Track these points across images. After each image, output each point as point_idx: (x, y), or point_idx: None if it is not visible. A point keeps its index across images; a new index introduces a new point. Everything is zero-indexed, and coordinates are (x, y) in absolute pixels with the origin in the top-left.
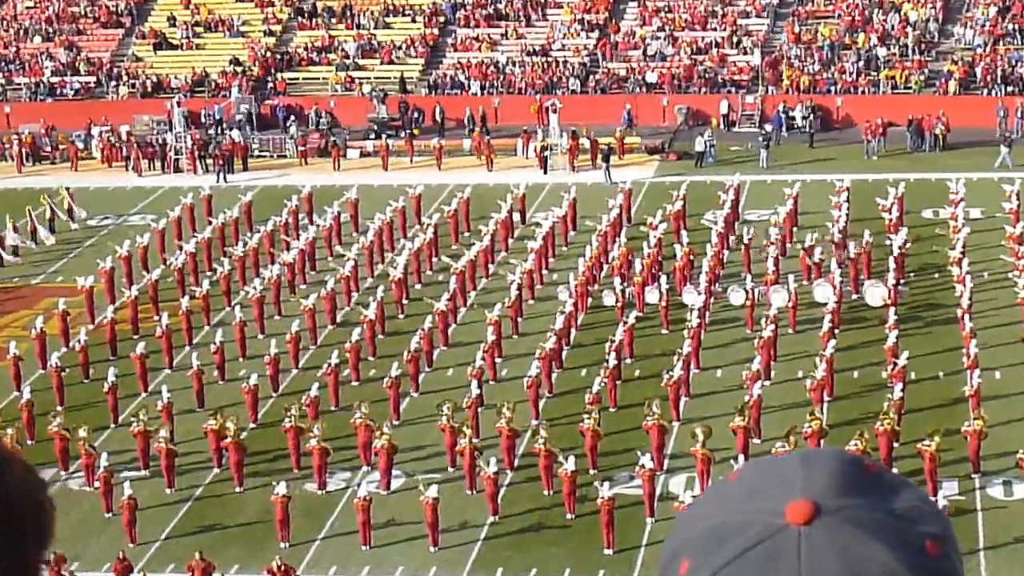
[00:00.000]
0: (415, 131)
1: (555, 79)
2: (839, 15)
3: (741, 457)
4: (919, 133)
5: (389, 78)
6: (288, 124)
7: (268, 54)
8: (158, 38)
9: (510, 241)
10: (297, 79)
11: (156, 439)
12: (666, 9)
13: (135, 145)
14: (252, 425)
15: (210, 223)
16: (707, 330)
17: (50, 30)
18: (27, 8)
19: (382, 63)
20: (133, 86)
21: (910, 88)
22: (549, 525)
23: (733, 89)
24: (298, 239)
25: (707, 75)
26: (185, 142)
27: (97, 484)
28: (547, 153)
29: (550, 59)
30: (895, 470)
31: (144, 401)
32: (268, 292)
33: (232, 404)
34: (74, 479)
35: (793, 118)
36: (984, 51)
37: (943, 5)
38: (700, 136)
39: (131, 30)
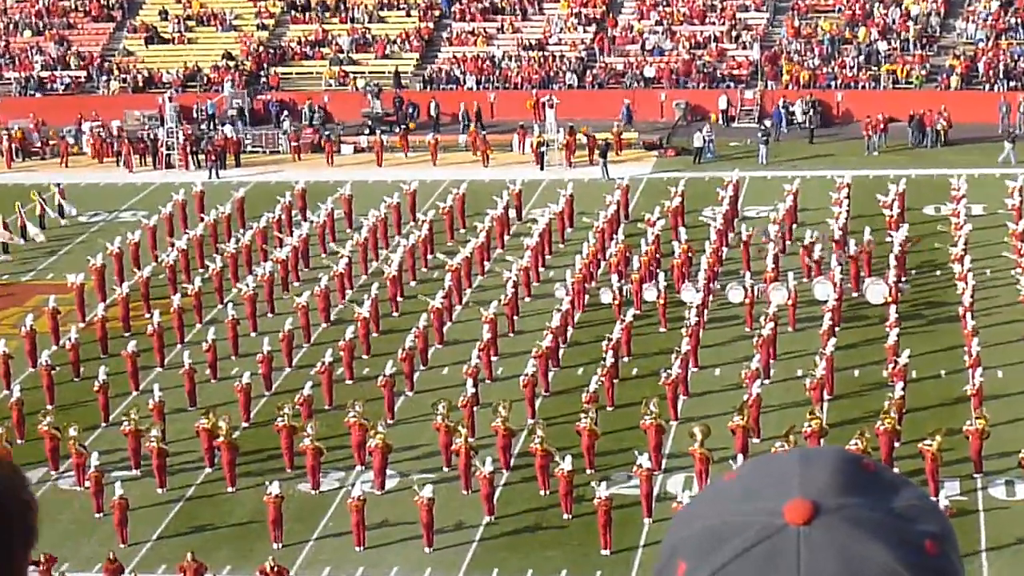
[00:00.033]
0: (411, 126)
1: (552, 74)
2: (839, 9)
3: (740, 457)
4: (920, 129)
5: (383, 72)
6: (281, 119)
7: (261, 48)
8: (149, 32)
9: (506, 238)
10: (290, 74)
11: (147, 438)
12: (664, 3)
13: (126, 141)
14: (244, 424)
15: (202, 220)
16: (706, 328)
17: (40, 24)
18: (17, 2)
19: (376, 57)
20: (124, 81)
21: (911, 83)
22: (546, 526)
23: (732, 84)
24: (291, 236)
25: (706, 70)
26: (177, 138)
27: (88, 484)
28: (544, 149)
29: (546, 53)
30: (896, 470)
31: (135, 400)
32: (261, 289)
33: (224, 403)
34: (64, 479)
35: (793, 113)
36: (986, 45)
37: None
38: (699, 132)
39: (122, 24)
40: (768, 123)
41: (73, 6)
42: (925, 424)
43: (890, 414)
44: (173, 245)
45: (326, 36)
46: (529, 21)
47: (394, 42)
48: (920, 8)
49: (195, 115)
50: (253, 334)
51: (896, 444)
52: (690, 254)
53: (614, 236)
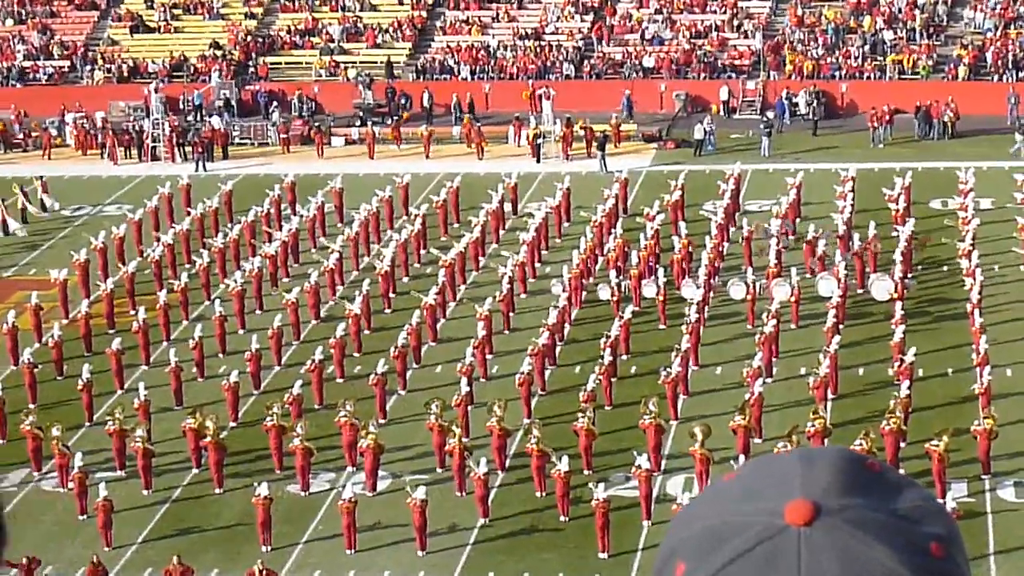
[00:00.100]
0: (404, 117)
1: (548, 64)
2: None
3: (741, 457)
4: (927, 120)
5: (375, 62)
6: (270, 110)
7: (249, 37)
8: (135, 21)
9: (501, 232)
10: (279, 63)
11: (132, 438)
12: None
13: (111, 132)
14: (232, 424)
15: (189, 214)
16: (706, 325)
17: (22, 12)
18: None
19: (368, 47)
20: (109, 71)
21: (918, 73)
22: (542, 528)
23: (734, 74)
24: (280, 230)
25: (707, 60)
26: (163, 129)
27: (71, 485)
28: (540, 141)
29: (543, 43)
30: (902, 471)
31: (120, 399)
32: (249, 285)
33: (212, 402)
34: (47, 480)
35: (796, 105)
36: (995, 35)
37: None
38: (699, 123)
39: (106, 12)
40: (770, 115)
41: None
42: (932, 424)
43: (896, 414)
44: (159, 240)
45: (316, 25)
46: (525, 9)
47: (386, 31)
48: None
49: (181, 106)
50: (241, 331)
51: (902, 444)
52: (690, 249)
53: (612, 231)
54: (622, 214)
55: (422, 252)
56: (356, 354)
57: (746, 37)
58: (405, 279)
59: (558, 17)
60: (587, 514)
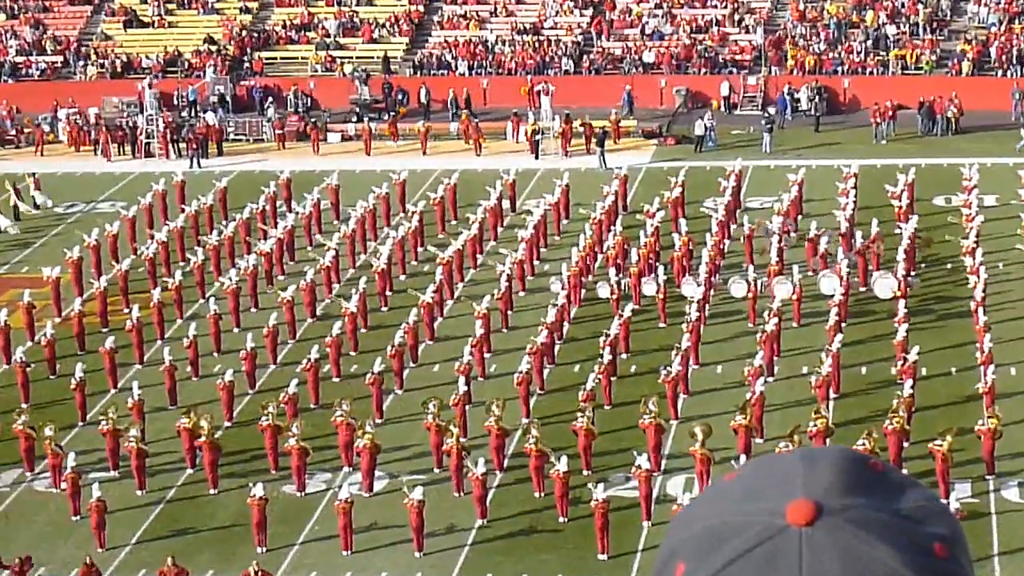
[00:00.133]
0: (401, 113)
1: (547, 59)
2: None
3: (743, 457)
4: (930, 116)
5: (372, 57)
6: (265, 106)
7: (244, 32)
8: (128, 15)
9: (499, 230)
10: (275, 59)
11: (126, 438)
12: None
13: (104, 128)
14: (227, 424)
15: (183, 211)
16: (707, 324)
17: (15, 7)
18: None
19: (364, 42)
20: (102, 66)
21: (921, 69)
22: (540, 529)
23: (735, 70)
24: (276, 227)
25: (707, 55)
26: (157, 125)
27: (64, 485)
28: (538, 137)
29: (541, 38)
30: (904, 471)
31: (113, 398)
32: (244, 283)
33: (206, 401)
34: (40, 480)
35: (798, 100)
36: (999, 30)
37: None
38: (700, 119)
39: (100, 7)
40: (772, 110)
41: None
42: (935, 423)
43: (899, 413)
44: (153, 237)
45: (312, 19)
46: (523, 4)
47: (383, 26)
48: None
49: (176, 102)
50: (236, 330)
51: (905, 444)
52: (691, 247)
53: (612, 228)
54: (622, 211)
55: (419, 250)
56: (352, 353)
57: (747, 32)
58: (402, 277)
59: (557, 12)
60: (586, 515)
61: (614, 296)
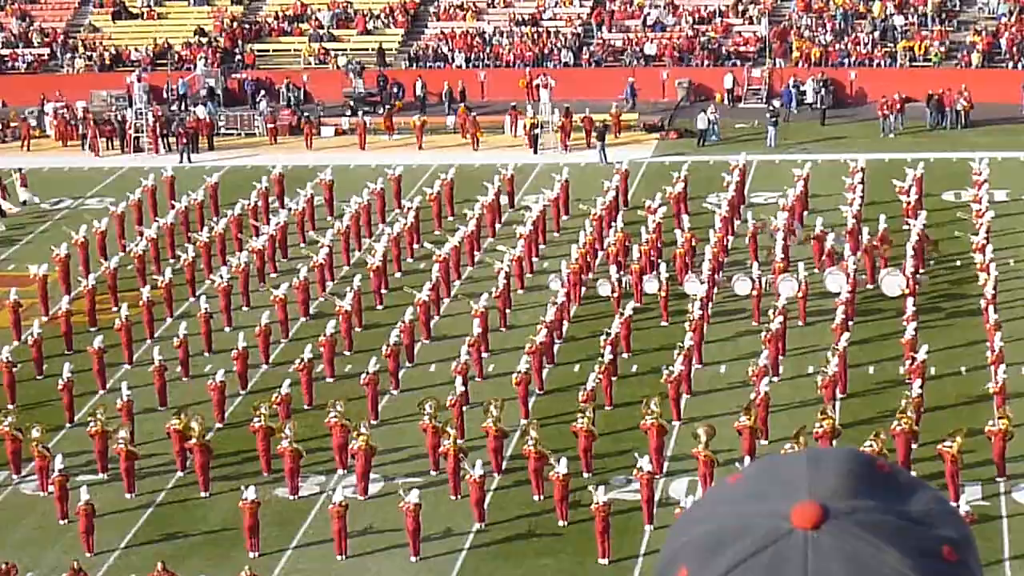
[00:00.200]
0: (397, 106)
1: (546, 51)
2: None
3: (747, 459)
4: (939, 109)
5: (366, 49)
6: (257, 100)
7: (235, 24)
8: (117, 7)
9: (497, 226)
10: (267, 51)
11: (115, 440)
12: None
13: (92, 122)
14: (218, 425)
15: (173, 207)
16: (710, 322)
17: None
18: None
19: (358, 33)
20: (90, 59)
21: (930, 60)
22: (540, 533)
23: (738, 62)
24: (268, 224)
25: (710, 46)
26: (146, 119)
27: (51, 489)
28: (537, 131)
29: (540, 29)
30: (913, 473)
31: (102, 399)
32: (236, 281)
33: (197, 402)
34: (27, 483)
35: (803, 93)
36: (1009, 21)
37: None
38: (703, 112)
39: None
40: (777, 103)
41: None
42: (944, 424)
43: (907, 414)
44: (142, 234)
45: (305, 11)
46: None
47: (377, 17)
48: None
49: (165, 95)
50: (227, 329)
51: (913, 445)
52: (693, 243)
53: (612, 224)
54: (623, 207)
55: (415, 247)
56: (347, 352)
57: (751, 23)
58: (397, 275)
59: (556, 2)
60: (587, 518)
61: (615, 294)
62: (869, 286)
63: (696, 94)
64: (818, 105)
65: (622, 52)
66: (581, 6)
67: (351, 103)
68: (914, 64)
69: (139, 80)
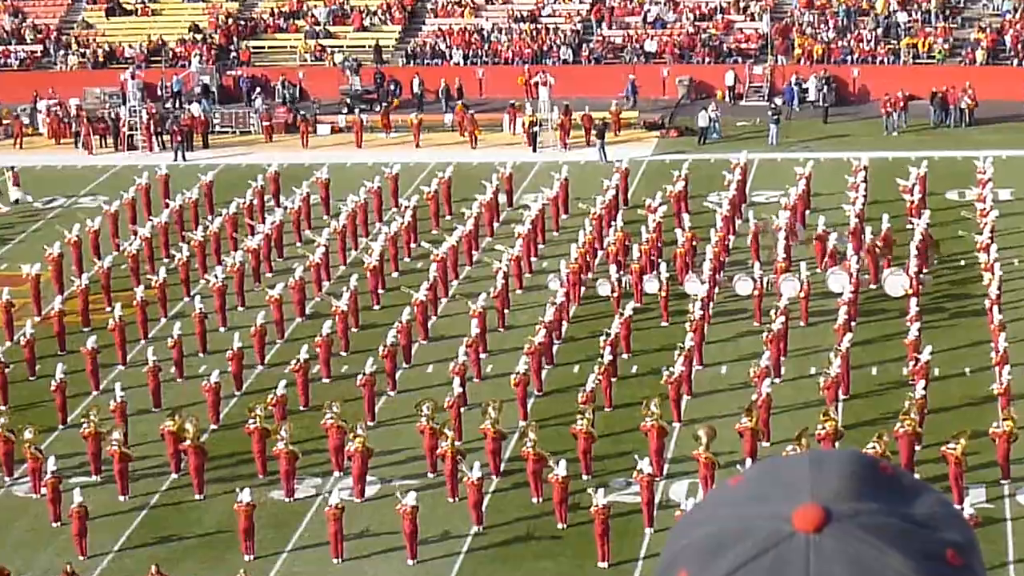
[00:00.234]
0: (394, 104)
1: (545, 48)
2: None
3: (748, 461)
4: (943, 107)
5: (363, 46)
6: (253, 97)
7: (231, 20)
8: (110, 3)
9: (496, 225)
10: (262, 48)
11: (108, 442)
12: None
13: (85, 120)
14: (213, 426)
15: (167, 205)
16: (711, 322)
17: None
18: None
19: (355, 30)
20: (83, 55)
21: (933, 57)
22: (538, 536)
23: (740, 59)
24: (263, 223)
25: (711, 43)
26: (140, 117)
27: (44, 491)
28: (536, 129)
29: (539, 26)
30: (917, 476)
31: (95, 400)
32: (231, 281)
33: (191, 404)
34: (19, 485)
35: (806, 90)
36: (1014, 17)
37: None
38: (703, 110)
39: None
40: (779, 101)
41: None
42: (948, 426)
43: (911, 415)
44: (136, 233)
45: (301, 7)
46: None
47: (374, 13)
48: None
49: (160, 93)
50: (222, 329)
51: (917, 448)
52: (694, 243)
53: (612, 223)
54: (623, 206)
55: (412, 246)
56: (343, 353)
57: (753, 19)
58: (395, 274)
59: None
60: (586, 521)
61: (615, 294)
62: (872, 286)
63: (697, 92)
64: (820, 103)
65: (622, 49)
66: (581, 3)
67: (347, 101)
68: (918, 61)
69: (133, 77)
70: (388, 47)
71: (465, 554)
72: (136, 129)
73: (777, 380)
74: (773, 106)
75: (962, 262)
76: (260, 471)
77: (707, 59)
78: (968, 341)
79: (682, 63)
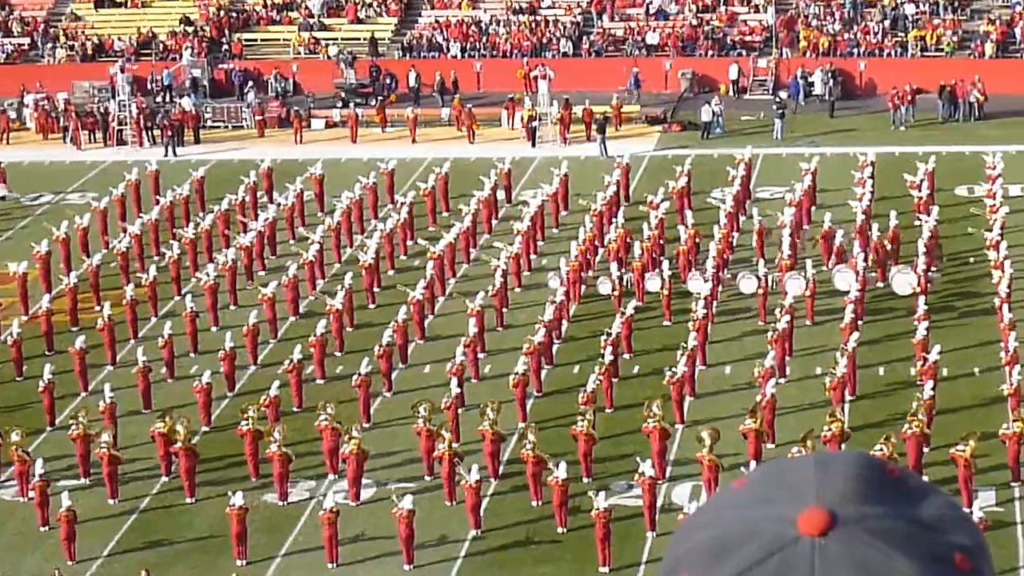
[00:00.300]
0: (391, 99)
1: (544, 40)
2: None
3: (752, 463)
4: (952, 101)
5: (358, 39)
6: (245, 91)
7: (222, 12)
8: None
9: (494, 222)
10: (255, 40)
11: (97, 444)
12: None
13: (74, 115)
14: (205, 428)
15: (157, 202)
16: (715, 322)
17: None
18: None
19: (350, 22)
20: (72, 49)
21: (942, 50)
22: (538, 540)
23: (744, 51)
24: (256, 220)
25: (715, 36)
26: (130, 111)
27: (32, 494)
28: (535, 123)
29: (539, 18)
30: (924, 478)
31: (84, 401)
32: (223, 279)
33: (182, 405)
34: (6, 488)
35: (811, 84)
36: None
37: None
38: (707, 104)
39: None
40: (784, 95)
41: None
42: (957, 427)
43: (918, 416)
44: (126, 230)
45: None
46: None
47: (369, 5)
48: None
49: (150, 86)
50: (214, 328)
51: (925, 449)
52: (697, 240)
53: (613, 220)
54: (624, 202)
55: (408, 243)
56: (338, 353)
57: (757, 11)
58: (391, 272)
59: None
60: (587, 525)
61: (616, 292)
62: (879, 284)
63: (700, 85)
64: (826, 97)
65: (623, 42)
66: None
67: (342, 94)
68: (926, 54)
69: (122, 71)
70: (384, 40)
71: (463, 559)
72: (126, 124)
73: (782, 380)
74: (778, 100)
75: (971, 260)
76: (253, 474)
77: (710, 52)
78: (977, 340)
79: (685, 56)
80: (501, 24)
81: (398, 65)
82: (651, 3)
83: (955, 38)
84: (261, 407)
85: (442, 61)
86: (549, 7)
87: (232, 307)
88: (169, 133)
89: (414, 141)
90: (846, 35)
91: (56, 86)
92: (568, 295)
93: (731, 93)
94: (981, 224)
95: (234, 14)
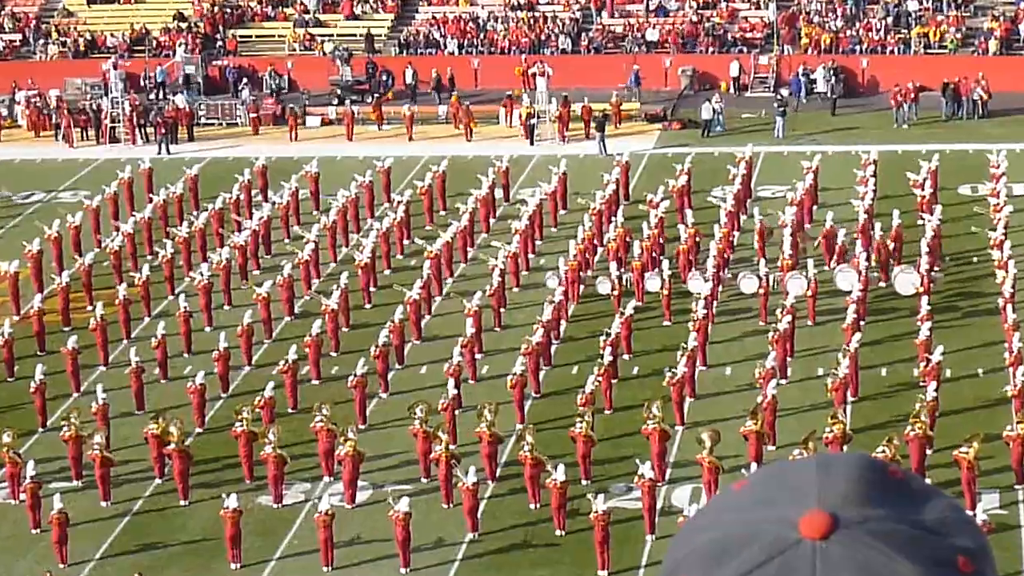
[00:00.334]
0: (388, 96)
1: (543, 37)
2: None
3: (753, 465)
4: (955, 98)
5: (354, 35)
6: (239, 88)
7: (216, 8)
8: None
9: (492, 221)
10: (249, 37)
11: (90, 445)
12: None
13: (66, 112)
14: (198, 430)
15: (151, 200)
16: (715, 322)
17: None
18: None
19: (346, 18)
20: (64, 45)
21: (945, 47)
22: (536, 543)
23: (745, 49)
24: (251, 219)
25: (715, 32)
26: (123, 108)
27: (23, 496)
28: (534, 121)
29: (537, 14)
30: (927, 480)
31: (76, 402)
32: (217, 278)
33: (176, 406)
34: None
35: (813, 81)
36: None
37: None
38: (707, 102)
39: None
40: (785, 92)
41: None
42: (960, 429)
43: (921, 418)
44: (118, 229)
45: None
46: None
47: (365, 1)
48: None
49: (143, 83)
50: (208, 328)
51: (928, 451)
52: (697, 239)
53: (613, 219)
54: (623, 201)
55: (405, 242)
56: (333, 353)
57: (758, 8)
58: (387, 272)
59: None
60: (585, 527)
61: (615, 292)
62: (882, 284)
63: (700, 82)
64: (828, 94)
65: (623, 38)
66: None
67: (338, 91)
68: (929, 51)
69: (115, 67)
70: (380, 36)
71: (460, 562)
72: (119, 121)
73: (783, 381)
74: (779, 98)
75: (975, 259)
76: (247, 476)
77: (711, 49)
78: (981, 341)
79: (685, 53)
80: (499, 20)
81: (395, 62)
82: None
83: (959, 35)
84: (256, 408)
85: (439, 58)
86: (548, 3)
87: (226, 307)
88: (163, 130)
89: (411, 139)
90: (848, 32)
91: (48, 83)
92: (567, 295)
93: (732, 90)
94: (985, 223)
95: (228, 10)
